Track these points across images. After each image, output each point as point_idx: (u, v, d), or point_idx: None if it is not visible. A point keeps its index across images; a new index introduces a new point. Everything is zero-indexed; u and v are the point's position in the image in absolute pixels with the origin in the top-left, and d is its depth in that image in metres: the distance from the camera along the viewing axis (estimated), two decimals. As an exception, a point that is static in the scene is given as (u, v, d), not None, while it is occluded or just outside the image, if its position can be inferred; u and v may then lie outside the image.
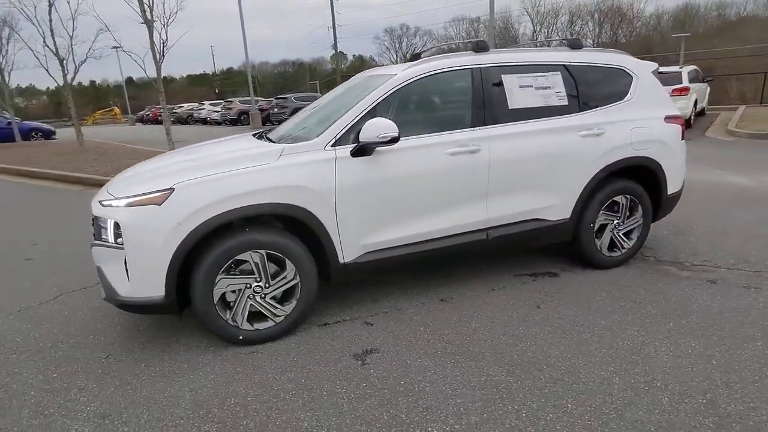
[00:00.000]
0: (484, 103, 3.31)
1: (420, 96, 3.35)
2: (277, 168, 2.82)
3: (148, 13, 10.14)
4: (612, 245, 3.83)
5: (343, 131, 2.95)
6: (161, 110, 12.31)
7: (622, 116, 3.68)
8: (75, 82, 15.40)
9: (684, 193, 4.16)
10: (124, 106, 47.11)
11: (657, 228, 4.51)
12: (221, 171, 2.76)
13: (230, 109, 25.99)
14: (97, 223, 2.87)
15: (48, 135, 20.36)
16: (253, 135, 3.78)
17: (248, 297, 2.84)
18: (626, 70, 3.79)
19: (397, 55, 72.94)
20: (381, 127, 2.84)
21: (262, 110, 23.72)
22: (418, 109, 3.41)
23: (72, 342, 3.05)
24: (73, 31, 13.54)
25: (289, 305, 2.94)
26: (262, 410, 2.31)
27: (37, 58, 13.63)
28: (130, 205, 2.65)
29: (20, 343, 3.07)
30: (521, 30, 48.51)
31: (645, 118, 3.75)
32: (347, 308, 3.35)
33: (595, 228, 3.70)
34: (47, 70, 14.22)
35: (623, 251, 3.85)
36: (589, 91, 3.63)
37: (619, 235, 3.82)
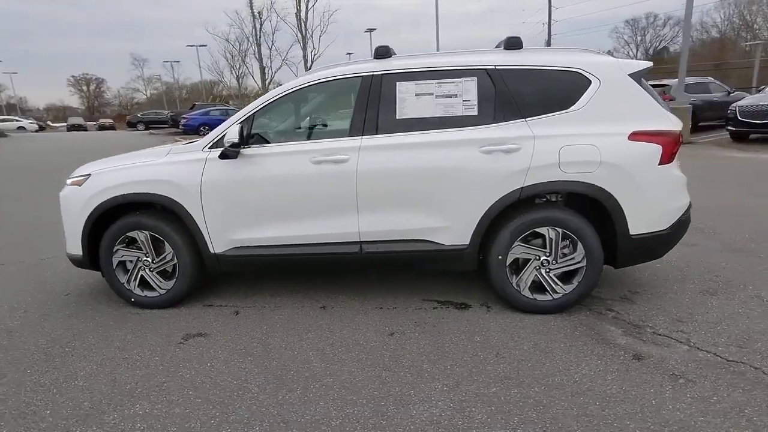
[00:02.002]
0: (366, 112, 3.16)
1: (304, 104, 3.40)
2: (158, 165, 3.35)
3: (302, 28, 11.78)
4: (539, 287, 3.15)
5: (220, 136, 3.28)
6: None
7: (552, 130, 2.99)
8: (272, 85, 18.72)
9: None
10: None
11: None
12: (126, 164, 3.44)
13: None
14: None
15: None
16: None
17: (140, 268, 3.46)
18: (583, 73, 3.03)
19: (637, 50, 64.32)
20: (230, 134, 3.09)
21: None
22: (300, 117, 3.46)
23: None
24: (272, 44, 16.50)
25: (171, 282, 3.45)
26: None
27: (246, 66, 17.13)
28: (69, 184, 3.55)
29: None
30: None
31: (592, 134, 2.96)
32: (236, 295, 3.66)
33: (507, 262, 3.11)
34: (252, 76, 17.71)
35: (555, 296, 3.12)
36: (516, 99, 3.05)
37: (549, 276, 3.11)
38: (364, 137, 3.14)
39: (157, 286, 3.47)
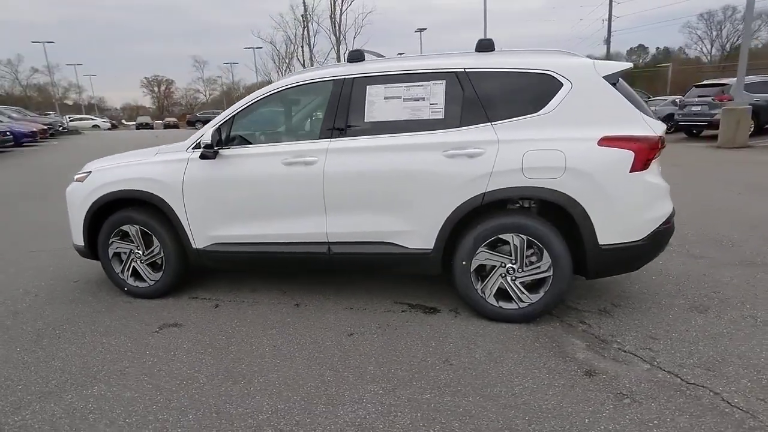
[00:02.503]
0: (336, 115, 3.21)
1: (283, 106, 3.49)
2: (147, 164, 3.57)
3: (336, 30, 11.97)
4: (505, 295, 3.07)
5: (200, 137, 3.44)
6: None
7: (518, 134, 2.91)
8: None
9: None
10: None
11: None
12: (122, 163, 3.69)
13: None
14: None
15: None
16: None
17: (132, 260, 3.71)
18: (555, 76, 2.93)
19: (712, 46, 59.96)
20: (206, 136, 3.25)
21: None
22: (275, 120, 3.55)
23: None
24: (313, 45, 16.84)
25: (159, 274, 3.67)
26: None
27: (291, 68, 17.59)
28: (74, 180, 3.85)
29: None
30: None
31: (559, 139, 2.85)
32: (221, 290, 3.83)
33: (472, 268, 3.06)
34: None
35: (521, 305, 3.03)
36: (484, 102, 3.00)
37: (515, 285, 3.03)
38: (332, 140, 3.20)
39: (147, 277, 3.70)
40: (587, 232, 2.85)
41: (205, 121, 40.11)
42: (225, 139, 3.38)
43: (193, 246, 3.52)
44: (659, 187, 2.91)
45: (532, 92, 2.96)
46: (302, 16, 15.48)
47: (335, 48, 12.03)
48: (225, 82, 71.11)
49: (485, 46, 3.15)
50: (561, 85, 2.91)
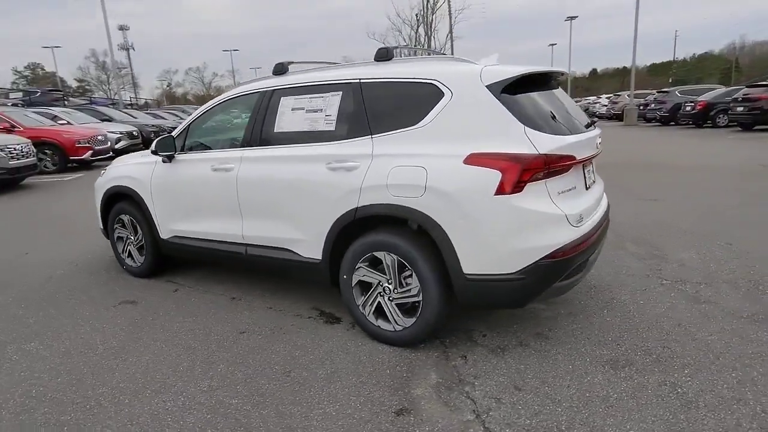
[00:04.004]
0: (254, 125, 3.40)
1: (223, 117, 3.76)
2: (131, 164, 4.21)
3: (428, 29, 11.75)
4: (383, 314, 2.94)
5: (168, 143, 3.94)
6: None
7: (392, 148, 2.75)
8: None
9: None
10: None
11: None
12: (123, 162, 4.41)
13: (615, 103, 24.11)
14: None
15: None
16: None
17: (127, 244, 4.42)
18: (438, 85, 2.69)
19: None
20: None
21: (644, 106, 20.97)
22: (219, 129, 3.82)
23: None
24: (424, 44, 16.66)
25: (143, 257, 4.30)
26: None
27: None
28: (101, 174, 4.72)
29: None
30: None
31: (426, 155, 2.63)
32: (193, 277, 4.30)
33: (353, 282, 2.99)
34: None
35: (397, 328, 2.87)
36: (369, 114, 2.89)
37: (391, 305, 2.88)
38: (247, 149, 3.40)
39: (136, 258, 4.38)
40: (450, 258, 2.58)
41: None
42: (182, 145, 3.83)
43: (161, 236, 4.07)
44: (538, 214, 2.47)
45: (414, 103, 2.76)
46: (416, 15, 15.68)
47: (424, 44, 12.06)
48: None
49: (382, 55, 3.01)
50: (442, 95, 2.67)
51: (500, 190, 2.43)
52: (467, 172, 2.50)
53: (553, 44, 50.40)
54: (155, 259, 4.24)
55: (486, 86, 2.56)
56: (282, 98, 3.30)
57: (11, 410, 2.47)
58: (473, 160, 2.50)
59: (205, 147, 3.89)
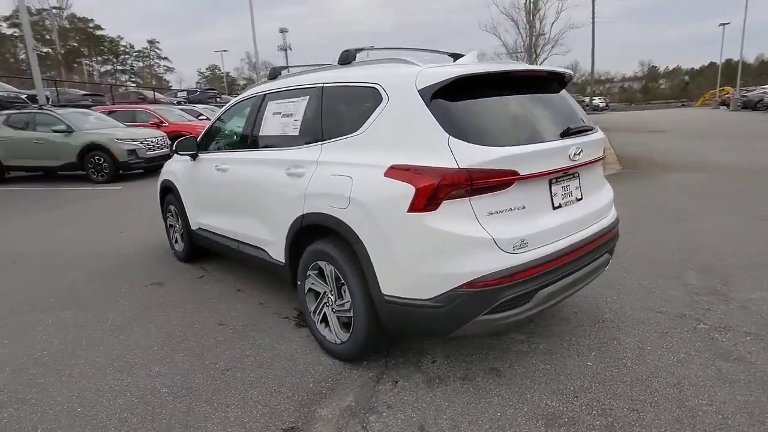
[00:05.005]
0: (247, 128, 3.54)
1: (234, 119, 3.93)
2: (176, 161, 4.66)
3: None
4: (327, 324, 2.86)
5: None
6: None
7: (333, 156, 2.66)
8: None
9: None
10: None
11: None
12: (175, 159, 4.93)
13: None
14: None
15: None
16: None
17: (174, 230, 4.95)
18: (379, 89, 2.51)
19: None
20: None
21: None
22: (227, 131, 3.98)
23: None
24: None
25: (183, 244, 4.79)
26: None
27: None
28: (163, 168, 5.33)
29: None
30: None
31: (356, 164, 2.48)
32: (219, 267, 4.64)
33: (306, 288, 2.96)
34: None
35: (337, 341, 2.78)
36: (324, 119, 2.82)
37: (333, 317, 2.79)
38: (240, 151, 3.57)
39: (180, 245, 4.88)
40: (370, 276, 2.40)
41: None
42: (205, 144, 4.16)
43: (190, 227, 4.48)
44: (455, 237, 2.15)
45: (359, 109, 2.62)
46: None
47: (525, 35, 11.29)
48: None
49: (344, 58, 2.88)
50: (381, 100, 2.48)
51: (413, 207, 2.19)
52: (385, 186, 2.30)
53: (724, 23, 42.60)
54: (190, 247, 4.68)
55: (418, 91, 2.31)
56: (269, 102, 3.38)
57: (13, 368, 2.97)
58: (392, 172, 2.29)
59: (217, 147, 4.17)
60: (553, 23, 14.00)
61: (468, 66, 2.40)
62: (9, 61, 57.52)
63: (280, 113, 3.24)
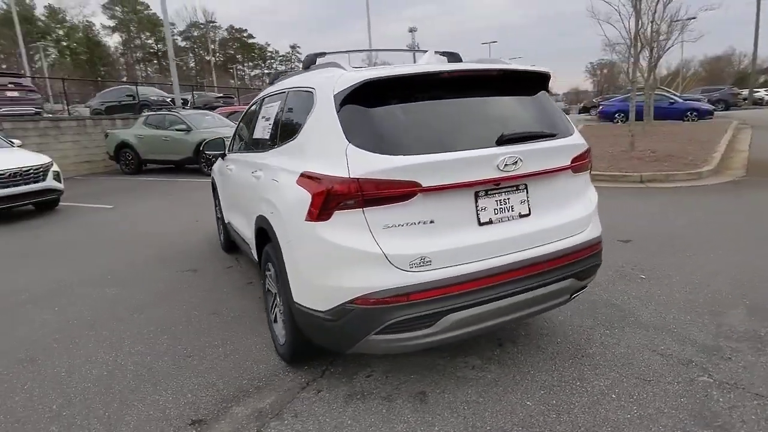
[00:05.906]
0: (248, 130, 3.74)
1: (253, 120, 4.13)
2: (219, 159, 5.08)
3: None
4: (276, 320, 2.91)
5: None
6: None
7: (275, 161, 2.72)
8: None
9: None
10: None
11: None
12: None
13: None
14: None
15: (703, 114, 20.15)
16: None
17: (220, 224, 5.40)
18: (314, 94, 2.48)
19: None
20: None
21: None
22: (240, 134, 4.17)
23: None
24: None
25: (222, 236, 5.21)
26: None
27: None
28: (220, 165, 5.84)
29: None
30: None
31: (283, 170, 2.52)
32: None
33: (265, 287, 3.04)
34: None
35: (281, 341, 2.82)
36: (282, 123, 2.88)
37: (280, 317, 2.84)
38: (242, 153, 3.78)
39: (222, 235, 5.32)
40: (284, 281, 2.39)
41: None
42: (230, 145, 4.48)
43: (225, 221, 4.86)
44: (344, 249, 2.02)
45: (303, 114, 2.60)
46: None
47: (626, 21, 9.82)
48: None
49: (305, 62, 2.88)
50: (313, 105, 2.45)
51: (309, 216, 2.14)
52: (294, 193, 2.28)
53: None
54: (227, 241, 5.08)
55: (334, 96, 2.24)
56: (262, 107, 3.53)
57: (45, 332, 3.53)
58: (300, 179, 2.26)
59: (233, 149, 4.42)
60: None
61: (390, 69, 2.25)
62: (182, 69, 67.19)
63: (264, 117, 3.37)
